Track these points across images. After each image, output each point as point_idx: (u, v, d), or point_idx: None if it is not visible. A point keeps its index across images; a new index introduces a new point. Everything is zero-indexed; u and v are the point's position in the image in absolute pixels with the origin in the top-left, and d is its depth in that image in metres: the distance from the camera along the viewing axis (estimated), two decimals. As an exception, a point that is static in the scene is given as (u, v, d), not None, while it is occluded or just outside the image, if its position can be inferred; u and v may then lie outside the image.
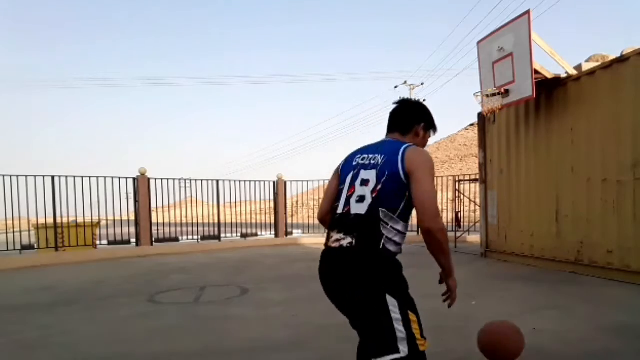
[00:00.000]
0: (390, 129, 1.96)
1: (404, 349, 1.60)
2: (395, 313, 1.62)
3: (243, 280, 6.46)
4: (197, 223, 11.96)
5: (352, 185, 1.78)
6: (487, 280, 6.23)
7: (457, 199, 10.93)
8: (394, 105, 2.01)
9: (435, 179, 12.59)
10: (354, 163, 1.84)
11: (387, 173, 1.69)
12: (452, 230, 11.29)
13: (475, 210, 11.91)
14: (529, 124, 7.17)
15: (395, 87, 33.47)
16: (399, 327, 1.61)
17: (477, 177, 9.30)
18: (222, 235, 11.61)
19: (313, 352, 3.32)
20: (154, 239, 10.46)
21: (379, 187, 1.69)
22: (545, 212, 6.83)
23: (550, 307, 4.46)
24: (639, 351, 3.16)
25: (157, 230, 10.86)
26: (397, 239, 1.71)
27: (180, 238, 11.13)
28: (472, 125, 52.53)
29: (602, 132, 5.87)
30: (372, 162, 1.78)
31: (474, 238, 10.78)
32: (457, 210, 10.91)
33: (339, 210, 1.79)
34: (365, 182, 1.74)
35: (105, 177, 9.62)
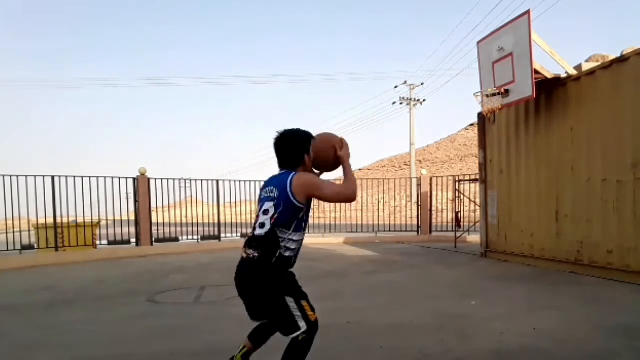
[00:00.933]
0: (281, 166, 2.42)
1: (303, 324, 2.30)
2: (292, 304, 2.31)
3: (243, 280, 6.46)
4: (197, 223, 11.95)
5: (258, 214, 2.36)
6: (487, 280, 6.23)
7: (457, 199, 10.93)
8: (276, 139, 2.42)
9: (435, 179, 12.50)
10: (262, 196, 2.40)
11: (282, 204, 2.25)
12: (452, 230, 11.30)
13: (475, 210, 11.91)
14: (529, 124, 7.17)
15: (395, 87, 33.39)
16: (296, 313, 2.30)
17: (477, 177, 9.30)
18: (222, 235, 11.61)
19: (313, 352, 3.32)
20: (154, 239, 10.46)
21: (276, 215, 2.26)
22: (545, 212, 6.83)
23: (550, 307, 4.46)
24: (639, 351, 3.17)
25: (157, 230, 10.86)
26: (293, 245, 2.34)
27: (180, 238, 11.13)
28: (472, 125, 52.54)
29: (602, 132, 5.87)
30: (270, 194, 2.32)
31: (474, 238, 10.78)
32: (457, 210, 10.91)
33: (250, 233, 2.40)
34: (266, 212, 2.30)
35: (105, 177, 9.64)
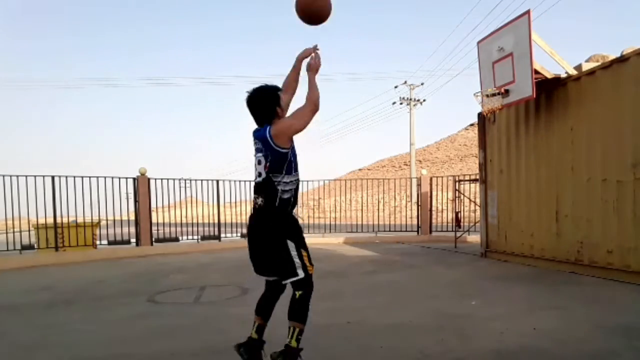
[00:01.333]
0: (258, 123, 2.71)
1: (301, 273, 2.58)
2: (294, 251, 2.58)
3: (243, 280, 6.46)
4: (197, 223, 11.95)
5: (254, 164, 2.68)
6: (487, 280, 6.23)
7: (457, 199, 10.93)
8: (248, 99, 2.69)
9: (435, 179, 12.47)
10: (254, 146, 2.71)
11: (269, 154, 2.59)
12: (452, 230, 11.30)
13: (475, 210, 11.91)
14: (529, 124, 7.17)
15: (395, 87, 33.39)
16: (296, 260, 2.57)
17: (477, 177, 9.30)
18: (222, 235, 11.61)
19: (313, 352, 3.32)
20: (154, 239, 10.46)
21: (268, 164, 2.59)
22: (545, 212, 6.83)
23: (550, 307, 4.46)
24: (639, 351, 3.17)
25: (157, 230, 10.85)
26: (288, 187, 2.62)
27: (180, 238, 11.13)
28: (472, 125, 52.53)
29: (602, 132, 5.87)
30: (258, 146, 2.65)
31: (474, 238, 10.77)
32: (457, 210, 10.91)
33: (253, 181, 2.74)
34: (259, 162, 2.64)
35: (105, 177, 9.64)
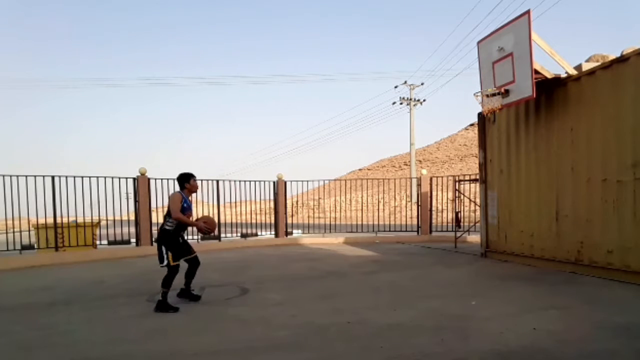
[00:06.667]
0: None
1: (167, 261, 4.78)
2: (165, 252, 4.81)
3: (243, 280, 6.46)
4: (197, 223, 11.91)
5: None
6: (487, 281, 6.23)
7: (457, 199, 10.93)
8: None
9: (435, 179, 12.49)
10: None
11: (168, 205, 4.93)
12: (452, 230, 11.30)
13: (475, 210, 11.92)
14: (529, 124, 7.17)
15: (395, 87, 33.45)
16: (166, 256, 4.79)
17: (477, 177, 9.30)
18: (222, 235, 11.61)
19: (313, 352, 3.32)
20: (154, 239, 10.45)
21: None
22: (545, 212, 6.83)
23: (550, 307, 4.46)
24: (639, 351, 3.17)
25: (157, 230, 10.84)
26: (169, 225, 4.82)
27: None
28: (472, 125, 52.54)
29: (602, 132, 5.87)
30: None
31: (474, 238, 10.78)
32: (457, 210, 10.91)
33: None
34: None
35: (105, 177, 9.63)
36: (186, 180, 4.92)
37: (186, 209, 4.84)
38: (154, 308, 4.61)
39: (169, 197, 4.94)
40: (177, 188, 5.03)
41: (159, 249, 4.79)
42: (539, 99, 6.75)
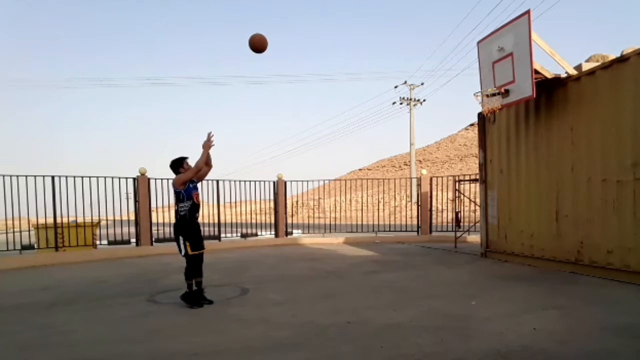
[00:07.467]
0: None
1: (185, 251, 4.99)
2: (183, 242, 4.98)
3: (243, 280, 6.47)
4: (197, 223, 11.91)
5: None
6: (487, 280, 6.23)
7: (457, 199, 10.93)
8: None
9: (435, 179, 12.50)
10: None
11: (174, 191, 4.96)
12: (452, 230, 11.30)
13: (475, 210, 11.91)
14: (529, 124, 7.17)
15: (395, 87, 33.44)
16: (184, 246, 4.99)
17: (477, 177, 9.30)
18: (222, 235, 11.61)
19: (313, 352, 3.32)
20: (154, 239, 10.45)
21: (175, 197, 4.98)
22: (545, 212, 6.83)
23: (550, 307, 4.46)
24: (639, 351, 3.17)
25: (157, 230, 10.84)
26: (182, 209, 4.90)
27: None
28: (472, 125, 52.55)
29: (602, 132, 5.87)
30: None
31: (474, 238, 10.78)
32: (457, 210, 10.90)
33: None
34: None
35: (105, 177, 9.63)
36: (180, 165, 4.95)
37: (192, 189, 4.92)
38: (180, 297, 4.97)
39: (173, 184, 4.87)
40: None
41: (177, 240, 4.93)
42: (539, 99, 6.75)
